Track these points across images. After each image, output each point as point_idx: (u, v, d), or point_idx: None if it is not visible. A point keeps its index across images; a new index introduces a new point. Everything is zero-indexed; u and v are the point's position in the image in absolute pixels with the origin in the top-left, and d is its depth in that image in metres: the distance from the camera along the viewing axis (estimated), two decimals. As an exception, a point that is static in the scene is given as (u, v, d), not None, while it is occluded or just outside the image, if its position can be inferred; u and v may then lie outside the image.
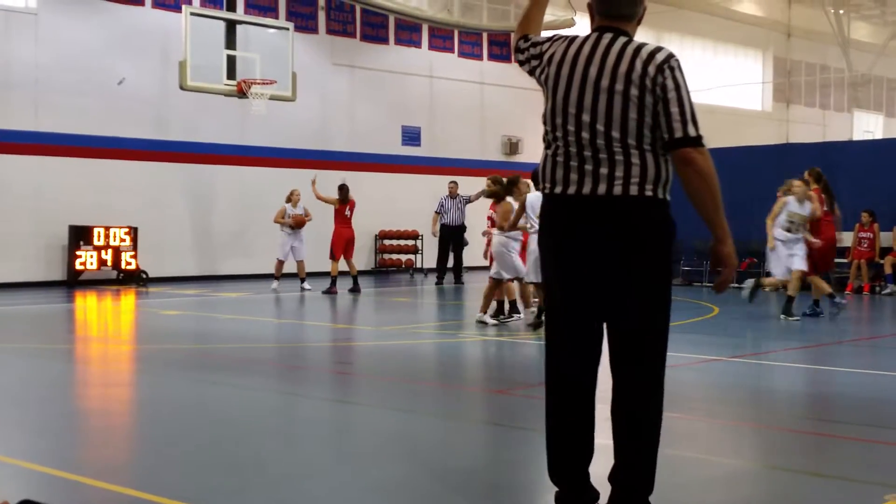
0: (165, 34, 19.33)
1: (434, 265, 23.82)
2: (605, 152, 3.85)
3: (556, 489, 4.17)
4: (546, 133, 4.16)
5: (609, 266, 3.89)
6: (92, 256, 18.37)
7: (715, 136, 25.34)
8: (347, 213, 17.61)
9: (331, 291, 17.00)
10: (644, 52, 3.85)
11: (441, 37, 24.70)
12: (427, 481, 4.94)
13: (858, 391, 7.68)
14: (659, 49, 3.89)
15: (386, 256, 23.61)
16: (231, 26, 18.28)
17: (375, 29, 23.44)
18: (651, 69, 3.79)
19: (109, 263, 18.58)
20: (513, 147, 26.05)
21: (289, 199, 17.88)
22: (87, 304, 15.72)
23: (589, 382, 4.11)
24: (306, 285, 17.42)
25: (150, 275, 19.01)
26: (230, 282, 19.73)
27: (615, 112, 3.82)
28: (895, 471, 5.23)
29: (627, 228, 3.88)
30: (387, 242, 23.60)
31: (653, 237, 3.97)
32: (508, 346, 10.51)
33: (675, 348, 10.06)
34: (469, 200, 19.63)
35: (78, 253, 18.27)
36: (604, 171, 3.85)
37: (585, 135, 3.90)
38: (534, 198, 11.21)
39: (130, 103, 19.50)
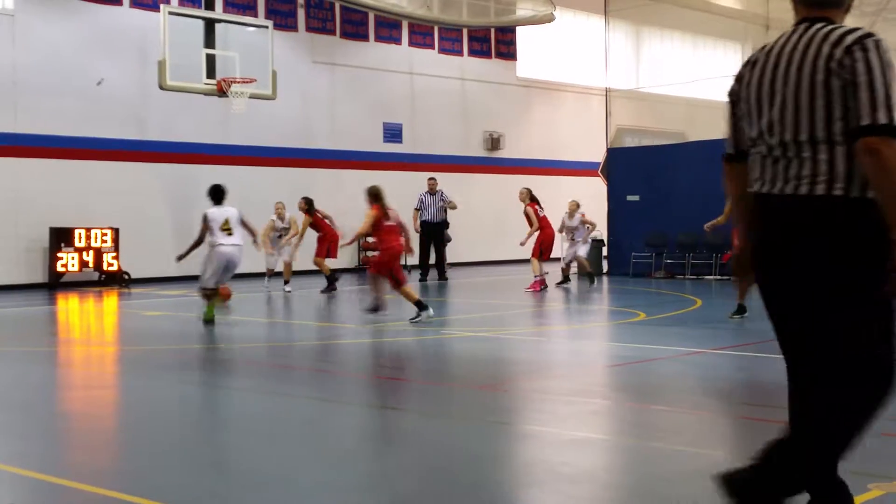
0: (144, 34, 19.22)
1: (418, 262, 23.83)
2: (793, 150, 3.48)
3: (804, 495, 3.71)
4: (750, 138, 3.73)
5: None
6: (73, 258, 18.26)
7: (697, 129, 25.51)
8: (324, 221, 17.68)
9: (330, 290, 17.02)
10: (834, 35, 3.45)
11: (421, 33, 24.68)
12: (407, 479, 4.94)
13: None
14: (853, 30, 3.46)
15: (369, 254, 23.56)
16: (210, 25, 18.20)
17: (355, 26, 23.39)
18: (838, 52, 3.38)
19: (91, 265, 18.48)
20: (494, 143, 26.05)
21: (277, 213, 17.68)
22: (70, 306, 15.63)
23: None
24: (287, 287, 17.20)
25: (132, 276, 18.92)
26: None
27: (802, 102, 3.44)
28: (879, 460, 5.26)
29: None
30: (370, 240, 23.52)
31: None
32: (491, 341, 10.51)
33: (660, 341, 10.12)
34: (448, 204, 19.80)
35: (59, 255, 18.16)
36: (793, 170, 3.48)
37: (777, 131, 3.51)
38: None
39: (110, 104, 19.39)
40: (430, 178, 20.27)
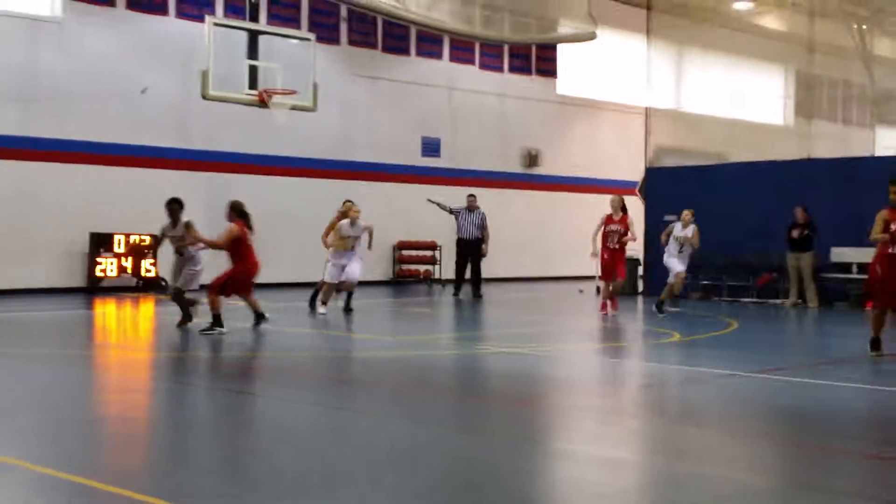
0: (188, 44, 19.46)
1: (452, 276, 23.85)
2: None
3: None
4: None
5: None
6: (112, 263, 18.47)
7: (737, 150, 25.34)
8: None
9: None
10: None
11: (462, 48, 24.75)
12: (440, 494, 4.94)
13: (871, 408, 7.63)
14: None
15: (404, 267, 23.63)
16: (253, 37, 18.36)
17: (397, 40, 23.51)
18: None
19: (129, 271, 18.68)
20: (532, 159, 26.04)
21: (344, 216, 14.69)
22: (107, 310, 15.80)
23: None
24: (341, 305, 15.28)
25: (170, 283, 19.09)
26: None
27: None
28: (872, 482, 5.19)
29: None
30: (405, 253, 23.62)
31: None
32: (526, 358, 10.49)
33: (695, 362, 10.04)
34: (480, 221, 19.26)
35: (98, 260, 18.38)
36: None
37: None
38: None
39: (153, 112, 19.64)
40: (470, 195, 19.82)
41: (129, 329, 14.07)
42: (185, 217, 12.34)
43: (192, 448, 5.99)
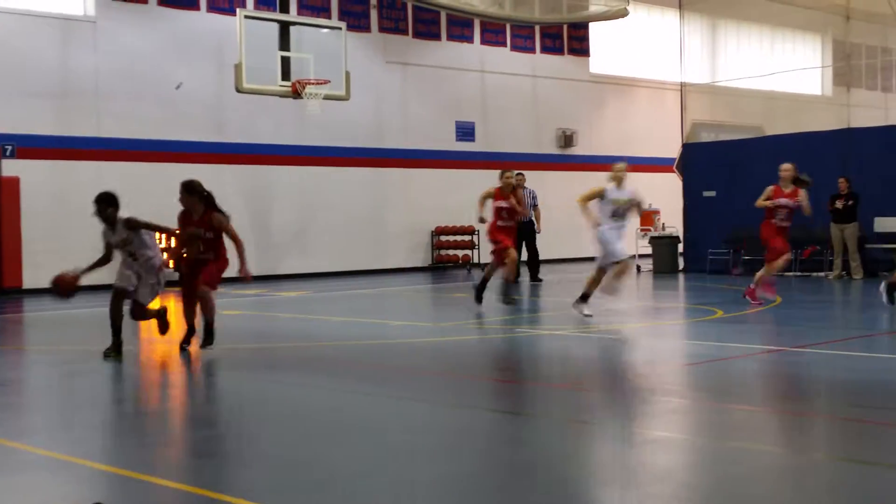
0: (220, 38, 19.57)
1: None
2: None
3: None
4: None
5: None
6: (154, 259, 18.63)
7: (775, 123, 25.02)
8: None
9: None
10: None
11: (493, 31, 24.64)
12: (488, 477, 4.94)
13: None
14: None
15: (442, 252, 23.64)
16: (284, 27, 18.43)
17: (427, 25, 23.46)
18: None
19: (170, 265, 18.84)
20: (567, 139, 25.89)
21: (615, 179, 11.81)
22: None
23: None
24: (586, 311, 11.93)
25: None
26: (290, 281, 19.90)
27: None
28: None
29: None
30: (443, 238, 23.62)
31: None
32: (569, 340, 10.45)
33: (738, 339, 9.95)
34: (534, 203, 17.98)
35: (140, 256, 18.53)
36: None
37: None
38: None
39: (188, 107, 19.78)
40: (519, 173, 17.62)
41: (172, 323, 14.19)
42: (124, 214, 9.83)
43: (249, 440, 6.03)
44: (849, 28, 28.49)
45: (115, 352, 9.30)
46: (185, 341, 9.72)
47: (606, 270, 11.75)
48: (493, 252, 13.33)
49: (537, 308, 14.91)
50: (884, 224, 17.41)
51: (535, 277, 18.09)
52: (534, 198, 18.16)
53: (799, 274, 18.07)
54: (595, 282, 11.81)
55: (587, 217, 11.62)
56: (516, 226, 13.68)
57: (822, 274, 17.79)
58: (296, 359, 9.40)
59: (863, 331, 8.83)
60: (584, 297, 11.82)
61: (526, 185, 18.09)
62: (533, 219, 18.00)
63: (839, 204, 17.12)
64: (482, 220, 13.42)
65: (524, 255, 18.02)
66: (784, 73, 29.22)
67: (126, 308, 9.55)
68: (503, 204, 13.23)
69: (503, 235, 13.12)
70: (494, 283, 13.48)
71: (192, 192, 9.49)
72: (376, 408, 6.88)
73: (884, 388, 7.37)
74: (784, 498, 4.42)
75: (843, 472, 5.01)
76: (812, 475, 4.96)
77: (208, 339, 9.59)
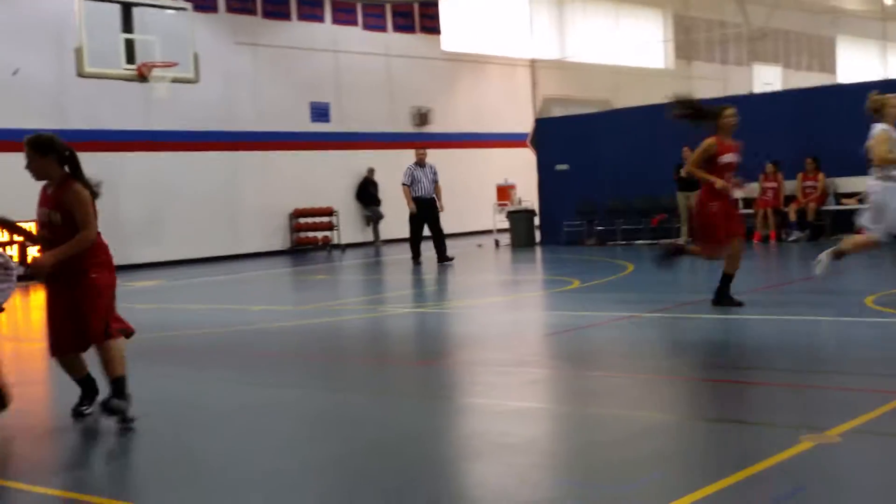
0: (60, 21, 18.75)
1: (353, 241, 23.81)
2: None
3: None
4: None
5: None
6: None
7: (621, 96, 25.70)
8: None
9: None
10: None
11: (345, 10, 24.46)
12: (352, 459, 4.95)
13: (773, 338, 7.91)
14: None
15: (302, 235, 23.43)
16: (127, 9, 17.84)
17: (277, 5, 23.09)
18: None
19: (16, 258, 18.07)
20: (423, 118, 26.00)
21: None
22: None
23: None
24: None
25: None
26: (144, 270, 19.36)
27: None
28: (812, 412, 5.41)
29: None
30: (302, 220, 23.41)
31: None
32: (426, 316, 10.55)
33: (595, 307, 10.24)
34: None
35: (-18, 251, 17.71)
36: None
37: None
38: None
39: (27, 93, 18.90)
40: (420, 151, 17.42)
41: (21, 318, 13.63)
42: None
43: (109, 436, 5.86)
44: (687, 3, 29.45)
45: None
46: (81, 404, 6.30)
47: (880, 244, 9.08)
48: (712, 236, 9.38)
49: (401, 287, 14.97)
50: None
51: (443, 257, 16.73)
52: (434, 174, 17.13)
53: (649, 242, 18.71)
54: (861, 246, 9.17)
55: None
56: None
57: (670, 241, 18.46)
58: (157, 349, 9.18)
59: (711, 294, 9.24)
60: (839, 255, 9.06)
61: (427, 161, 17.21)
62: (434, 196, 17.02)
63: (684, 172, 17.76)
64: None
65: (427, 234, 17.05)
66: (629, 48, 30.08)
67: None
68: (730, 158, 9.32)
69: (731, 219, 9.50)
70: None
71: (45, 151, 6.36)
72: (239, 396, 6.79)
73: (735, 348, 7.74)
74: (647, 461, 4.60)
75: (703, 433, 5.23)
76: (672, 437, 5.17)
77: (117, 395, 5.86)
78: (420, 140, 26.04)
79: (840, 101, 18.01)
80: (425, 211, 16.91)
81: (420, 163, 17.18)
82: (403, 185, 17.06)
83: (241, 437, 5.49)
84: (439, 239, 16.87)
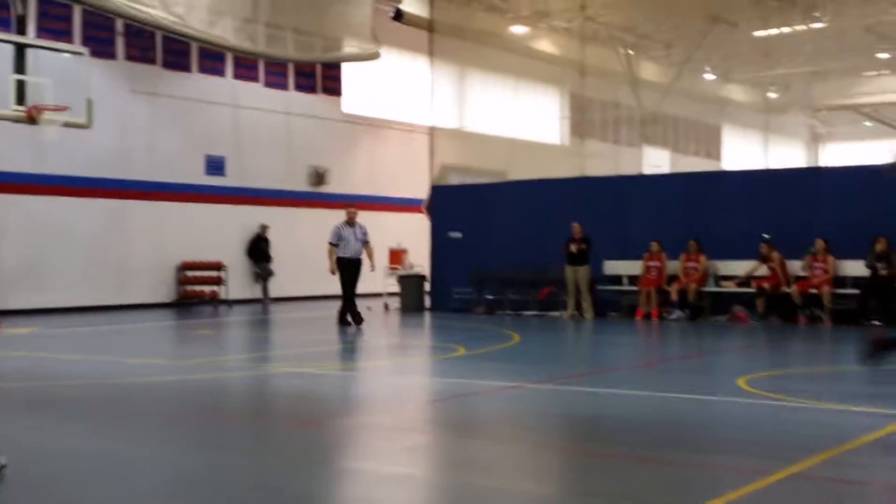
0: (-52, 55, 18.21)
1: (241, 297, 23.51)
2: None
3: None
4: None
5: None
6: None
7: (516, 168, 26.18)
8: None
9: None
10: None
11: (246, 66, 24.43)
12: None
13: (648, 413, 8.09)
14: None
15: (188, 288, 23.00)
16: (21, 50, 17.43)
17: (177, 56, 22.92)
18: None
19: None
20: (319, 177, 26.00)
21: None
22: None
23: None
24: None
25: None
26: (20, 317, 18.69)
27: None
28: (678, 490, 5.53)
29: None
30: (189, 274, 22.99)
31: None
32: (311, 378, 10.45)
33: (480, 375, 10.31)
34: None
35: None
36: None
37: None
38: None
39: None
40: (350, 209, 16.90)
41: None
42: None
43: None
44: (584, 83, 30.42)
45: None
46: None
47: None
48: None
49: (287, 346, 14.80)
50: (612, 267, 18.64)
51: (352, 321, 16.47)
52: (364, 234, 16.72)
53: (537, 313, 18.97)
54: None
55: None
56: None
57: (556, 313, 18.76)
58: (25, 400, 8.85)
59: (595, 367, 9.41)
60: None
61: (357, 220, 16.79)
62: (361, 257, 16.62)
63: (573, 247, 18.16)
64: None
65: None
66: (526, 122, 30.77)
67: None
68: None
69: None
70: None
71: None
72: (102, 454, 6.58)
73: (615, 422, 7.87)
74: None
75: None
76: (539, 506, 5.21)
77: None
78: (316, 199, 26.06)
79: (724, 186, 18.80)
80: (352, 272, 16.46)
81: (349, 222, 16.69)
82: (330, 244, 16.63)
83: (108, 495, 5.32)
84: (353, 302, 16.49)
